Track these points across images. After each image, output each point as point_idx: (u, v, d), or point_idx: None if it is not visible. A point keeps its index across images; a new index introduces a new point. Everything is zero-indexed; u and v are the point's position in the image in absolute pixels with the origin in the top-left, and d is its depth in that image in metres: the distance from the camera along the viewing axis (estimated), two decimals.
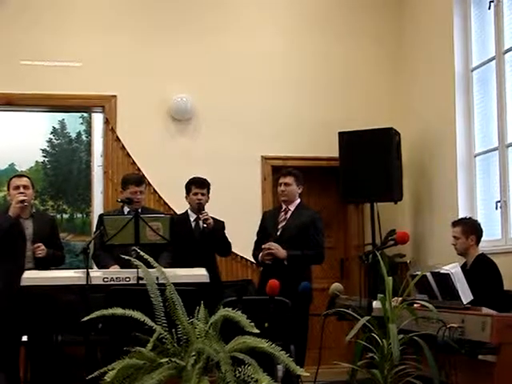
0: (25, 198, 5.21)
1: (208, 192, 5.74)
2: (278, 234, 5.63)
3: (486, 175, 6.17)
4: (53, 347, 5.27)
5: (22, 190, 5.29)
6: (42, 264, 5.21)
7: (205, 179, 5.75)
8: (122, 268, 4.93)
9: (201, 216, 5.56)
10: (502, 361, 3.44)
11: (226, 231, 5.78)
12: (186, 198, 5.76)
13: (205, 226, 5.57)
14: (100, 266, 5.36)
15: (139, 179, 5.70)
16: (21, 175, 5.58)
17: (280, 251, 5.48)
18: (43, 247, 5.24)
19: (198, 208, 5.62)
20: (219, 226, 5.71)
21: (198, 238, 5.66)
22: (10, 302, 5.01)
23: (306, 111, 7.22)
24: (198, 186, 5.70)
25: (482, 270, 4.96)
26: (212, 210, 5.71)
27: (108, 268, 5.15)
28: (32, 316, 5.10)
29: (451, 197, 6.34)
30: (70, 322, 5.03)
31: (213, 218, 5.65)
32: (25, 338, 5.31)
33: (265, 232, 5.74)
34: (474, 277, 4.66)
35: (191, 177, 5.80)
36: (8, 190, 5.44)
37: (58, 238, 5.66)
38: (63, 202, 6.93)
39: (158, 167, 6.85)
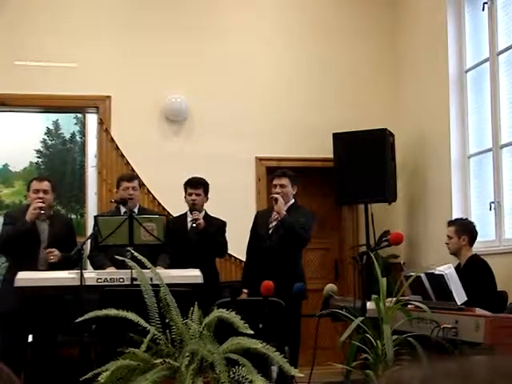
0: (42, 204, 5.17)
1: (205, 192, 5.76)
2: (270, 232, 5.64)
3: (480, 176, 6.18)
4: (49, 348, 5.25)
5: (41, 194, 5.26)
6: (54, 268, 5.13)
7: (200, 179, 5.77)
8: (117, 269, 4.93)
9: (191, 216, 5.59)
10: None
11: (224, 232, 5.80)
12: (185, 198, 5.78)
13: (194, 226, 5.58)
14: (95, 267, 5.34)
15: (131, 175, 5.74)
16: (42, 178, 5.52)
17: (282, 208, 5.49)
18: (56, 252, 5.18)
19: (191, 208, 5.64)
20: (216, 225, 5.72)
21: (192, 239, 5.66)
22: (20, 305, 4.99)
23: (301, 112, 7.21)
24: (191, 186, 5.73)
25: (474, 271, 4.96)
26: (206, 210, 5.72)
27: (104, 269, 5.14)
28: (36, 317, 5.08)
29: (445, 198, 6.34)
30: (65, 322, 5.02)
31: (215, 217, 5.74)
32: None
33: (255, 232, 5.75)
34: (466, 277, 4.67)
35: (186, 177, 5.80)
36: (28, 190, 5.41)
37: (75, 242, 5.54)
38: (57, 202, 6.88)
39: (153, 168, 6.83)
